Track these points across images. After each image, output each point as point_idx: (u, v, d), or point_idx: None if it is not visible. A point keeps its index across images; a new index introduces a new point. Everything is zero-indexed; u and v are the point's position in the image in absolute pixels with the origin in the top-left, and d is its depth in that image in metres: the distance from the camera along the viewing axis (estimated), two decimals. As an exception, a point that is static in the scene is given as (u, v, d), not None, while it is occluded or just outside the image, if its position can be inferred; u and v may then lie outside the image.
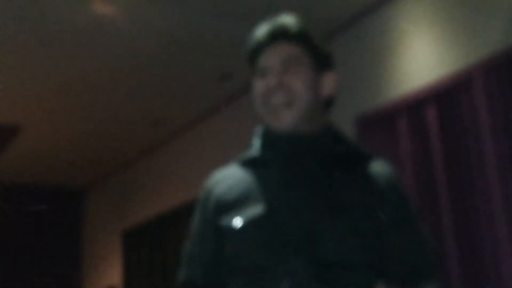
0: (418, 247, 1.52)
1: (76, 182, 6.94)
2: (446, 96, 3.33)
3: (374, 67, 3.81)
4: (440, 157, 3.31)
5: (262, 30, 1.59)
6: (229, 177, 1.59)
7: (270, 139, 1.57)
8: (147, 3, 3.76)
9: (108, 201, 6.82)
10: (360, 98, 3.84)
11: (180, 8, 3.82)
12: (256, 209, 1.48)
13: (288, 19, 1.58)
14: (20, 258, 6.51)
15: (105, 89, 4.88)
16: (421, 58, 3.53)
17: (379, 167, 1.56)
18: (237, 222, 1.49)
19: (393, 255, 1.48)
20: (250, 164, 1.58)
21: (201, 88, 4.93)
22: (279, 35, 1.56)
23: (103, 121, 5.46)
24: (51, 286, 6.56)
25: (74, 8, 3.77)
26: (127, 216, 6.32)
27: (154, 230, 5.82)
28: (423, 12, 3.56)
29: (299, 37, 1.55)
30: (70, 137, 5.72)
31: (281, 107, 1.51)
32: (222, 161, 1.75)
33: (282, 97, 1.51)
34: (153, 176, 6.07)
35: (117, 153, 6.23)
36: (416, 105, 3.46)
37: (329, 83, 1.58)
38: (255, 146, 1.60)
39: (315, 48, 1.57)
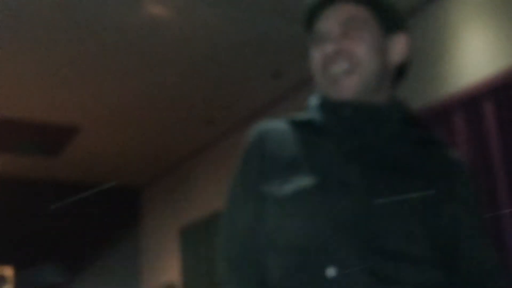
0: (490, 252, 1.30)
1: (134, 180, 7.05)
2: (503, 91, 3.26)
3: (429, 62, 3.75)
4: (499, 154, 3.24)
5: None
6: (281, 134, 1.35)
7: (329, 104, 1.33)
8: (199, 3, 3.80)
9: (165, 199, 6.91)
10: (415, 95, 3.77)
11: (232, 7, 3.84)
12: (306, 180, 1.25)
13: None
14: (80, 256, 6.65)
15: (160, 89, 4.94)
16: (478, 52, 3.46)
17: (453, 157, 1.33)
18: (284, 191, 1.26)
19: (464, 255, 1.26)
20: (303, 127, 1.35)
21: (254, 87, 4.94)
22: None
23: (158, 121, 5.53)
24: (110, 284, 6.69)
25: (128, 10, 3.83)
26: (184, 213, 6.39)
27: (211, 227, 5.85)
28: (479, 5, 3.49)
29: None
30: (127, 137, 5.82)
31: (341, 75, 1.29)
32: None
33: (342, 64, 1.29)
34: (209, 174, 6.12)
35: (173, 151, 6.30)
36: (473, 101, 3.40)
37: (399, 47, 1.35)
38: (311, 109, 1.37)
39: (381, 6, 1.34)
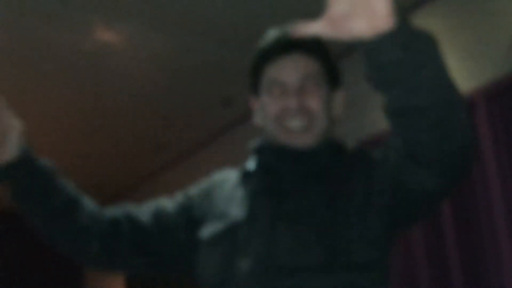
0: None
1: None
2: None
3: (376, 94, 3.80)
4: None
5: (273, 37, 1.42)
6: (228, 186, 1.49)
7: (263, 151, 1.45)
8: (149, 30, 3.79)
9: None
10: (369, 121, 3.83)
11: (181, 35, 3.84)
12: (220, 224, 1.39)
13: None
14: (23, 284, 6.46)
15: (107, 114, 4.89)
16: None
17: (354, 161, 1.41)
18: (205, 235, 1.41)
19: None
20: (242, 175, 1.49)
21: (203, 114, 4.94)
22: (295, 45, 1.40)
23: (105, 146, 5.46)
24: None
25: (78, 35, 3.80)
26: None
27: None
28: (437, 29, 3.55)
29: (317, 51, 1.41)
30: (73, 162, 5.72)
31: (299, 131, 1.39)
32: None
33: (300, 121, 1.38)
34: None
35: (120, 178, 6.22)
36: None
37: (339, 102, 1.47)
38: (251, 159, 1.49)
39: (329, 63, 1.43)
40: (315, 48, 1.41)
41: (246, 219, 1.36)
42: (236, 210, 1.40)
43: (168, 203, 1.53)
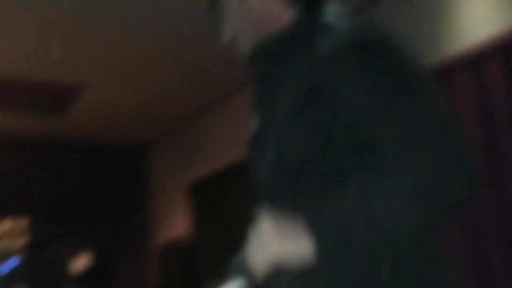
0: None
1: (140, 138, 7.02)
2: (510, 50, 3.13)
3: (432, 22, 3.62)
4: (504, 115, 3.13)
5: None
6: None
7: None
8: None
9: (174, 155, 6.87)
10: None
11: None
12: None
13: None
14: (86, 215, 6.68)
15: (168, 44, 4.85)
16: (483, 10, 3.33)
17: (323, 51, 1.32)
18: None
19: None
20: None
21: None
22: None
23: (166, 77, 5.46)
24: (117, 241, 6.76)
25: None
26: (195, 169, 6.36)
27: (223, 182, 5.82)
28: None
29: None
30: (133, 94, 5.77)
31: None
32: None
33: None
34: (220, 128, 6.05)
35: (183, 106, 6.23)
36: (479, 61, 3.28)
37: None
38: None
39: None
40: None
41: (256, 128, 1.47)
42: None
43: None
